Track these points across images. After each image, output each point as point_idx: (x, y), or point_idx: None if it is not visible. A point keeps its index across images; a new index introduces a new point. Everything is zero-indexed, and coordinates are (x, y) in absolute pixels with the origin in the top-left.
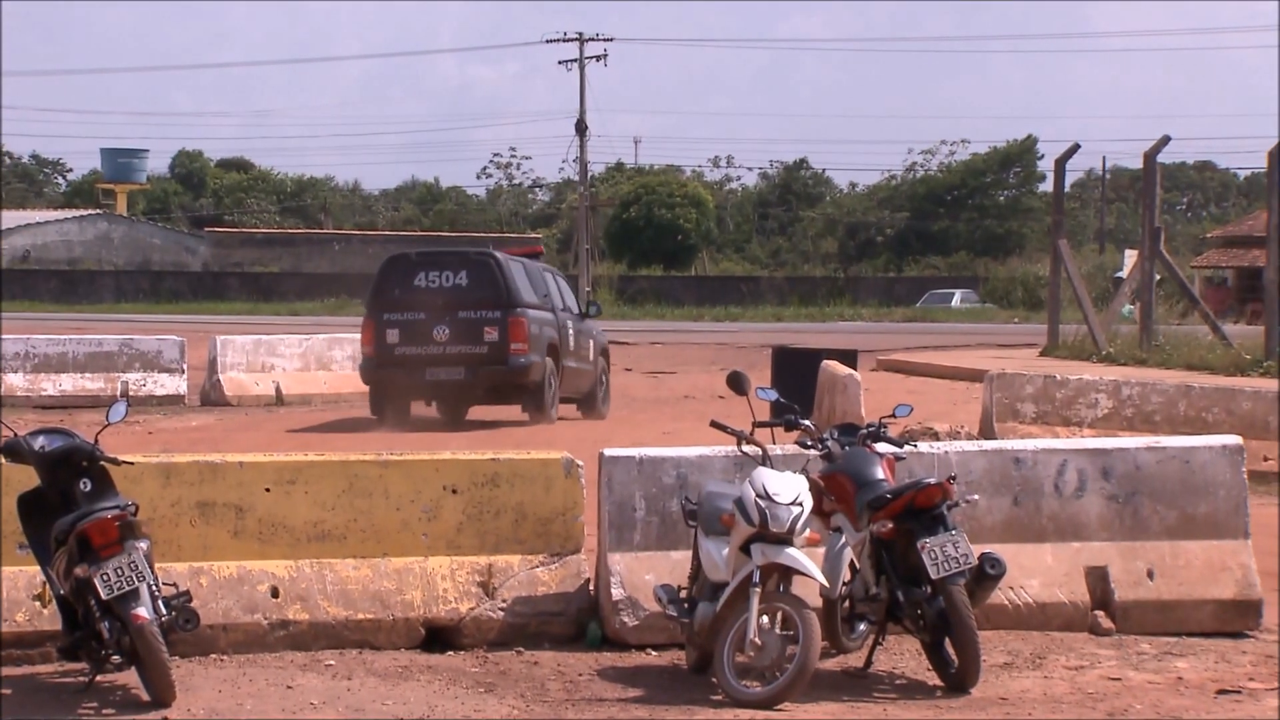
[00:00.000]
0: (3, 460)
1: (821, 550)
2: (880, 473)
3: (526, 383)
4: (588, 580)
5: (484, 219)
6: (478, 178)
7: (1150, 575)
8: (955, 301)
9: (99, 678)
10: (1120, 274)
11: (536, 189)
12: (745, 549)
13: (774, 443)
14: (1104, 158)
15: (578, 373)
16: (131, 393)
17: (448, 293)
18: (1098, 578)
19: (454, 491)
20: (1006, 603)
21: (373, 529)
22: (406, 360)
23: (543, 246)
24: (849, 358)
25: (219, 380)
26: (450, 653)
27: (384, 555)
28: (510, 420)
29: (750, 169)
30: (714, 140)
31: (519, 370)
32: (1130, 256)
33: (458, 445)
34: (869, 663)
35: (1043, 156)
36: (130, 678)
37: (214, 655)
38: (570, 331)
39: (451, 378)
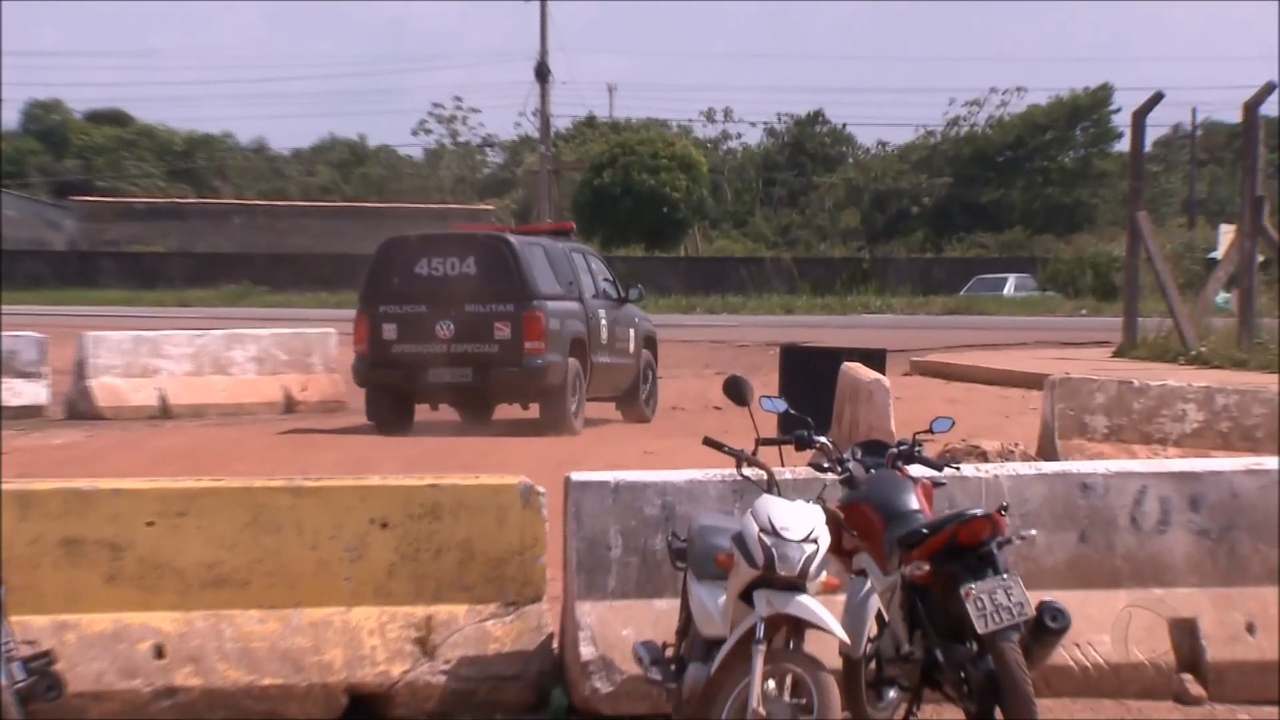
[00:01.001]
0: None
1: (841, 598)
2: (914, 502)
3: (544, 386)
4: (551, 635)
5: (421, 185)
6: (414, 134)
7: (1250, 630)
8: (1008, 289)
9: None
10: (1214, 254)
11: (487, 148)
12: (747, 597)
13: (782, 464)
14: (1194, 110)
15: (613, 368)
16: None
17: (453, 282)
18: (1185, 632)
19: (384, 525)
20: (1071, 663)
21: (283, 572)
22: (405, 360)
23: (573, 224)
24: (875, 359)
25: (89, 387)
26: None
27: (297, 605)
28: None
29: (753, 124)
30: (708, 89)
31: (534, 372)
32: (1226, 232)
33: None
34: None
35: (1118, 109)
36: None
37: None
38: (603, 322)
39: (457, 380)
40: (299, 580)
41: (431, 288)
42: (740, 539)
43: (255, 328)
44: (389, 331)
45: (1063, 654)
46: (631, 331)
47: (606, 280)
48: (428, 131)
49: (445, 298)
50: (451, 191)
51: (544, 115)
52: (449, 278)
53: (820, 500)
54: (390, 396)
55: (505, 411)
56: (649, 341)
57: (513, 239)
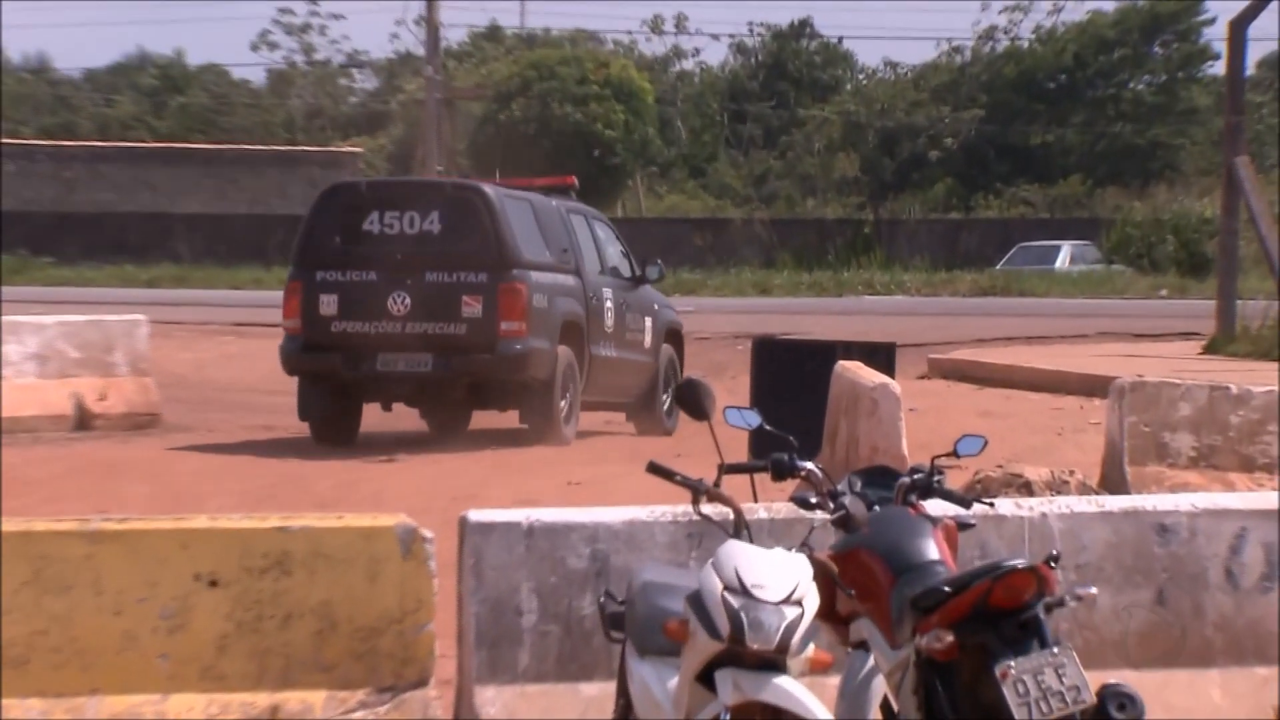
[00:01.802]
0: None
1: (835, 680)
2: (932, 550)
3: (524, 379)
4: None
5: (263, 120)
6: (253, 50)
7: None
8: (1062, 261)
9: None
10: None
11: (353, 70)
12: (707, 678)
13: (755, 499)
14: None
15: (621, 365)
16: None
17: (411, 243)
18: None
19: (214, 583)
20: None
21: (74, 647)
22: (349, 341)
23: (574, 178)
24: (881, 356)
25: None
26: None
27: (93, 692)
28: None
29: (716, 37)
30: None
31: (512, 361)
32: None
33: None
34: None
35: (1213, 19)
36: None
37: None
38: (608, 305)
39: (413, 369)
40: (97, 658)
41: (383, 250)
42: (698, 600)
43: (35, 314)
44: (328, 305)
45: None
46: (648, 321)
47: (618, 254)
48: (272, 46)
49: (401, 263)
50: (304, 128)
51: (431, 25)
52: (406, 237)
53: (806, 548)
54: (329, 389)
55: (491, 419)
56: (672, 335)
57: (489, 190)
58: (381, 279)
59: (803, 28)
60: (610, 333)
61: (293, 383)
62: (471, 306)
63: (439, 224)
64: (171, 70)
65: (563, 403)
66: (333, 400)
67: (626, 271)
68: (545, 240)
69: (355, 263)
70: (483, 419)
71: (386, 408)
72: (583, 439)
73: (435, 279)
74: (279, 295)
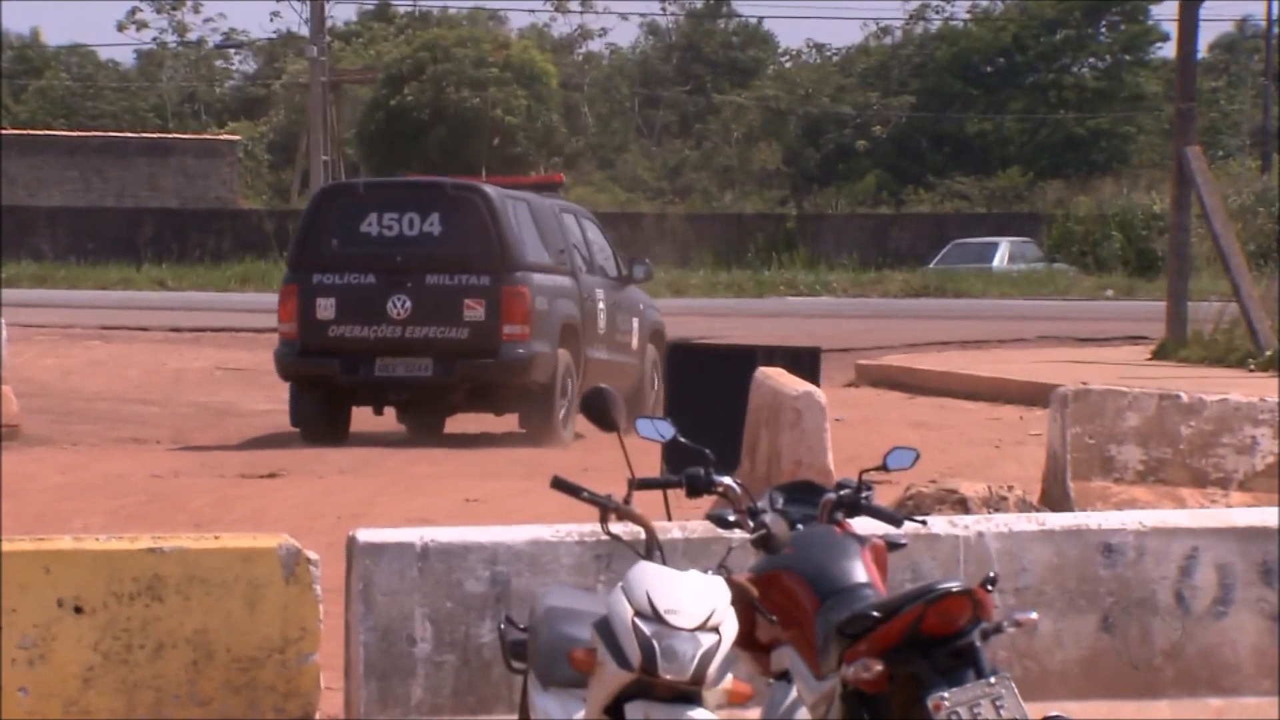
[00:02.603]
0: None
1: (755, 714)
2: (860, 572)
3: (526, 383)
4: None
5: (131, 106)
6: (119, 30)
7: None
8: (1000, 259)
9: None
10: None
11: (230, 51)
12: (616, 711)
13: (668, 517)
14: (1270, 1)
15: (611, 368)
16: None
17: (411, 245)
18: None
19: (79, 610)
20: None
21: None
22: (346, 346)
23: (563, 175)
24: (806, 362)
25: None
26: None
27: None
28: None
29: (625, 17)
30: None
31: (515, 365)
32: None
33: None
34: None
35: None
36: None
37: None
38: (600, 305)
39: (413, 375)
40: None
41: (382, 252)
42: (606, 627)
43: None
44: (325, 308)
45: None
46: (635, 322)
47: (604, 253)
48: (140, 26)
49: (400, 265)
50: (177, 114)
51: (316, 2)
52: (405, 239)
53: (724, 570)
54: (323, 395)
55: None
56: (656, 336)
57: (490, 190)
58: (380, 282)
59: (719, 6)
60: (603, 335)
61: (164, 393)
62: (474, 310)
63: (439, 225)
64: (29, 51)
65: (562, 405)
66: (326, 406)
67: (613, 271)
68: (544, 241)
69: (353, 265)
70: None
71: (378, 412)
72: (481, 451)
73: (436, 282)
74: (150, 296)
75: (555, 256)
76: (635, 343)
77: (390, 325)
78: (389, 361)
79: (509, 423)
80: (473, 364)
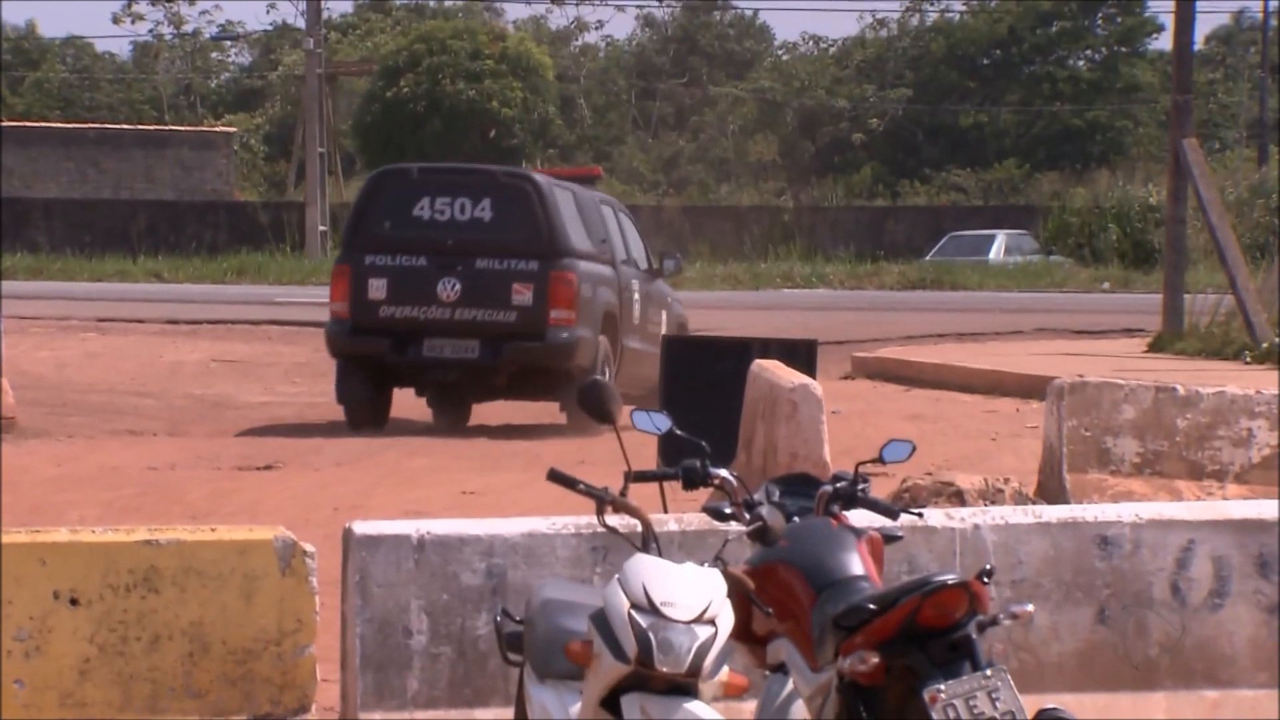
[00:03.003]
0: None
1: (751, 705)
2: (856, 564)
3: (570, 368)
4: None
5: (128, 98)
6: (115, 22)
7: None
8: (996, 252)
9: None
10: None
11: (226, 44)
12: (612, 704)
13: (664, 510)
14: None
15: (642, 357)
16: None
17: (463, 229)
18: None
19: (75, 602)
20: None
21: None
22: (396, 326)
23: (600, 169)
24: (802, 355)
25: None
26: None
27: None
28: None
29: (622, 8)
30: None
31: (560, 350)
32: None
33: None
34: None
35: None
36: None
37: None
38: (635, 296)
39: (460, 356)
40: None
41: (434, 235)
42: (602, 619)
43: None
44: (376, 289)
45: None
46: (664, 314)
47: (636, 245)
48: (137, 18)
49: (451, 249)
50: (173, 106)
51: None
52: (457, 223)
53: (720, 562)
54: (369, 373)
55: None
56: (680, 329)
57: (540, 179)
58: (431, 264)
59: None
60: (636, 325)
61: (160, 385)
62: (522, 294)
63: (490, 211)
64: (26, 43)
65: None
66: (372, 384)
67: (645, 263)
68: (587, 230)
69: (405, 247)
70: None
71: (420, 393)
72: (477, 443)
73: (486, 266)
74: (145, 288)
75: (597, 245)
76: (663, 333)
77: (440, 307)
78: (437, 342)
79: (529, 414)
80: (520, 347)
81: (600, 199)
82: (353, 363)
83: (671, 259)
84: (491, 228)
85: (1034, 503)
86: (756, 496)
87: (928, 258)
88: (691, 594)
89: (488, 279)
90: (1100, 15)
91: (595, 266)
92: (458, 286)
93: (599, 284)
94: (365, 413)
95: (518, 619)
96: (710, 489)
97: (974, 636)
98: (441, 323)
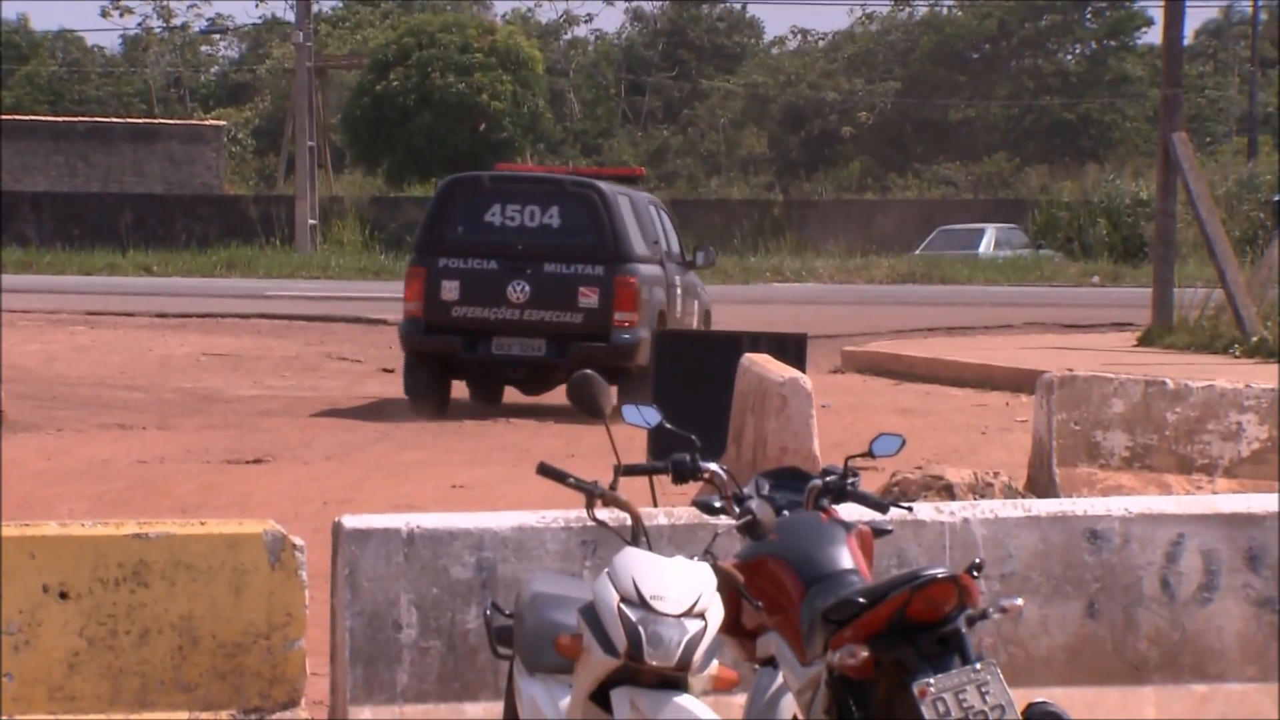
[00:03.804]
0: None
1: (741, 699)
2: (846, 558)
3: (630, 366)
4: None
5: (117, 91)
6: (105, 16)
7: None
8: (986, 245)
9: None
10: None
11: (215, 37)
12: (602, 697)
13: (654, 504)
14: None
15: None
16: None
17: (532, 235)
18: None
19: (64, 595)
20: None
21: None
22: (467, 325)
23: (643, 170)
24: (791, 349)
25: None
26: None
27: None
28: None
29: (611, 2)
30: None
31: (623, 349)
32: None
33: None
34: None
35: None
36: None
37: None
38: (678, 291)
39: (527, 354)
40: None
41: (504, 240)
42: (592, 613)
43: None
44: (449, 290)
45: None
46: (696, 305)
47: (673, 238)
48: (126, 12)
49: (521, 253)
50: (163, 99)
51: None
52: (526, 229)
53: (710, 556)
54: (435, 368)
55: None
56: (706, 318)
57: (605, 188)
58: (501, 268)
59: None
60: (678, 318)
61: (149, 378)
62: (588, 297)
63: (558, 218)
64: (16, 36)
65: None
66: (437, 378)
67: (681, 256)
68: (642, 233)
69: (476, 251)
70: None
71: (481, 391)
72: (467, 437)
73: (553, 270)
74: (135, 281)
75: (650, 247)
76: (695, 324)
77: (509, 308)
78: (505, 341)
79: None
80: (585, 346)
81: (647, 199)
82: (425, 359)
83: (704, 251)
84: (559, 234)
85: (1023, 496)
86: (746, 490)
87: (917, 251)
88: (681, 588)
89: (555, 282)
90: (1090, 9)
91: (651, 268)
92: (526, 289)
93: (654, 285)
94: (429, 404)
95: (507, 613)
96: (700, 483)
97: (963, 630)
98: (510, 323)
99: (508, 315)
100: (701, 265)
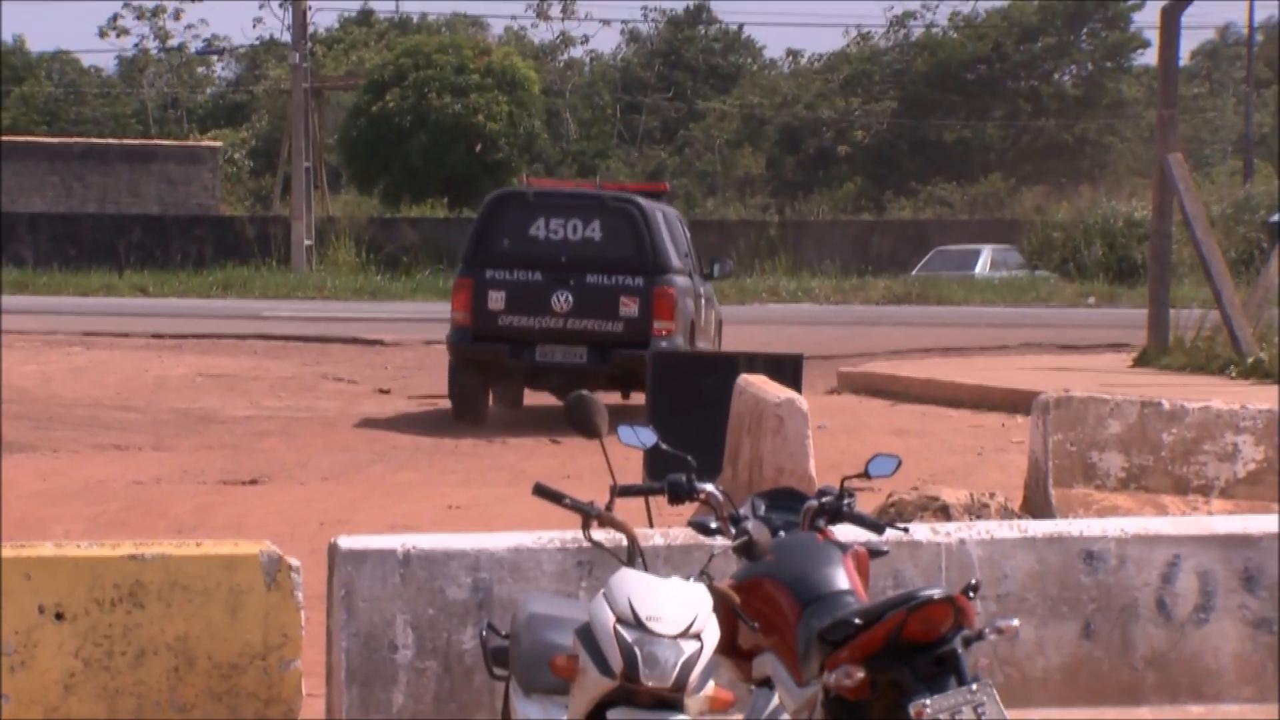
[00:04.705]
0: None
1: (736, 719)
2: (842, 579)
3: None
4: None
5: (113, 112)
6: (101, 36)
7: None
8: (982, 266)
9: None
10: (1278, 218)
11: (212, 58)
12: (598, 718)
13: (650, 525)
14: (1251, 3)
15: None
16: None
17: (574, 248)
18: None
19: (60, 616)
20: None
21: None
22: (514, 333)
23: (668, 185)
24: (788, 369)
25: None
26: None
27: None
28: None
29: (608, 23)
30: None
31: None
32: None
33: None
34: None
35: (1141, 4)
36: None
37: None
38: (702, 302)
39: (569, 361)
40: None
41: (548, 253)
42: (588, 634)
43: None
44: (496, 300)
45: None
46: (713, 315)
47: (692, 250)
48: (123, 32)
49: (565, 265)
50: (159, 120)
51: (298, 7)
52: (569, 243)
53: (706, 576)
54: (479, 374)
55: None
56: (719, 329)
57: (644, 203)
58: (546, 279)
59: (699, 13)
60: (702, 327)
61: (145, 399)
62: (629, 306)
63: (599, 231)
64: (12, 57)
65: None
66: (480, 384)
67: (700, 268)
68: (675, 246)
69: (522, 263)
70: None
71: (505, 401)
72: (463, 458)
73: (595, 281)
74: (131, 302)
75: (682, 259)
76: (712, 333)
77: (553, 317)
78: (549, 349)
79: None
80: (626, 354)
81: (675, 214)
82: (473, 366)
83: (721, 262)
84: (600, 246)
85: (1019, 517)
86: (742, 511)
87: (914, 272)
88: (677, 609)
89: (597, 292)
90: (1086, 30)
91: (684, 279)
92: (570, 299)
93: (686, 295)
94: (471, 408)
95: (503, 633)
96: (696, 503)
97: (960, 651)
98: (554, 331)
99: (552, 324)
100: (719, 276)
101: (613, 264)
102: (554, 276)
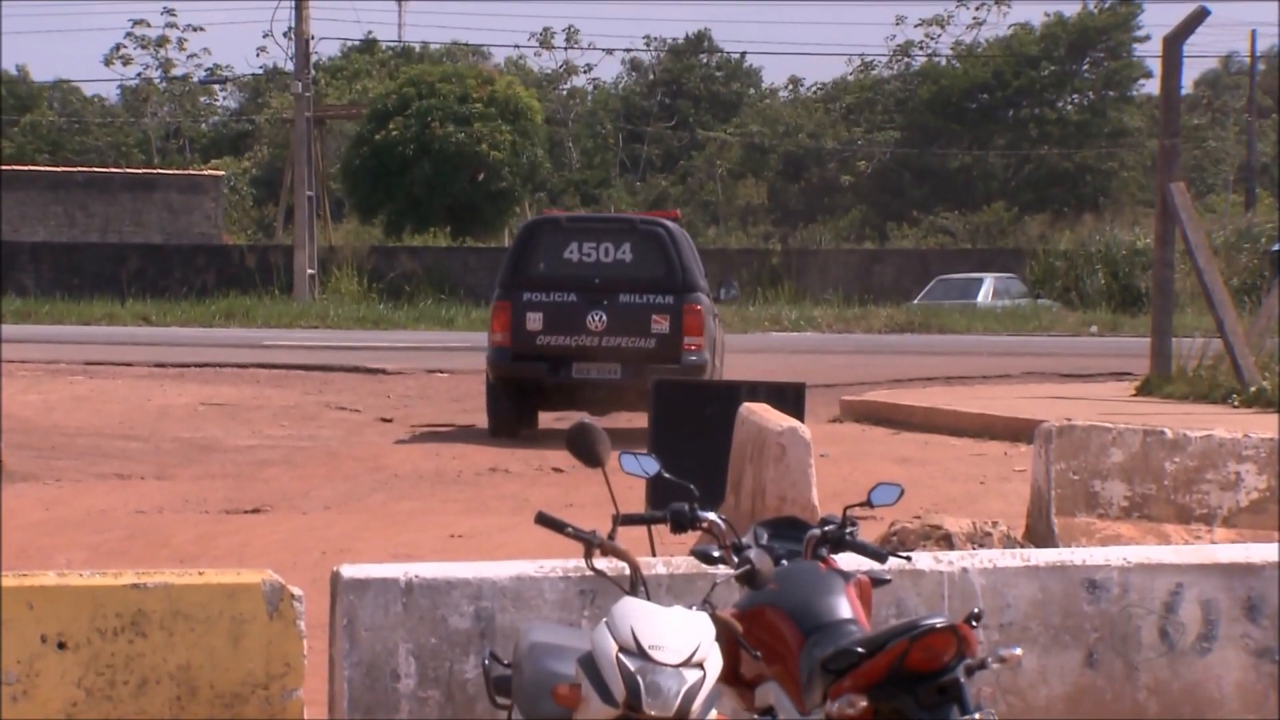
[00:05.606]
0: None
1: None
2: (844, 608)
3: None
4: None
5: (116, 141)
6: (106, 65)
7: None
8: (984, 295)
9: None
10: None
11: (215, 87)
12: None
13: (652, 553)
14: (1253, 33)
15: (716, 373)
16: None
17: (607, 269)
18: None
19: (62, 646)
20: None
21: None
22: (551, 352)
23: (679, 212)
24: (790, 398)
25: None
26: None
27: None
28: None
29: (610, 51)
30: (543, 1)
31: (693, 371)
32: None
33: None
34: None
35: (1146, 35)
36: None
37: None
38: (717, 322)
39: (604, 377)
40: None
41: (583, 274)
42: (590, 663)
43: None
44: (534, 321)
45: None
46: (721, 333)
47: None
48: (126, 61)
49: (598, 286)
50: (162, 149)
51: (300, 36)
52: (602, 265)
53: (708, 605)
54: (516, 392)
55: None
56: (723, 350)
57: (672, 226)
58: (581, 299)
59: (701, 41)
60: (716, 347)
61: (147, 428)
62: (660, 324)
63: (630, 253)
64: (17, 87)
65: None
66: (517, 402)
67: (710, 291)
68: (698, 267)
69: (557, 285)
70: None
71: (524, 416)
72: (465, 486)
73: (628, 300)
74: (133, 331)
75: (704, 280)
76: (722, 352)
77: (588, 335)
78: (585, 366)
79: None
80: (657, 369)
81: (689, 238)
82: (513, 384)
83: (727, 285)
84: (632, 267)
85: (1022, 546)
86: (745, 540)
87: (916, 301)
88: (680, 637)
89: (630, 311)
90: (1088, 60)
91: (708, 300)
92: (604, 318)
93: (710, 314)
94: (509, 424)
95: (506, 662)
96: (699, 532)
97: (962, 680)
98: (590, 349)
99: (587, 342)
100: (724, 299)
101: (644, 284)
102: (588, 297)
